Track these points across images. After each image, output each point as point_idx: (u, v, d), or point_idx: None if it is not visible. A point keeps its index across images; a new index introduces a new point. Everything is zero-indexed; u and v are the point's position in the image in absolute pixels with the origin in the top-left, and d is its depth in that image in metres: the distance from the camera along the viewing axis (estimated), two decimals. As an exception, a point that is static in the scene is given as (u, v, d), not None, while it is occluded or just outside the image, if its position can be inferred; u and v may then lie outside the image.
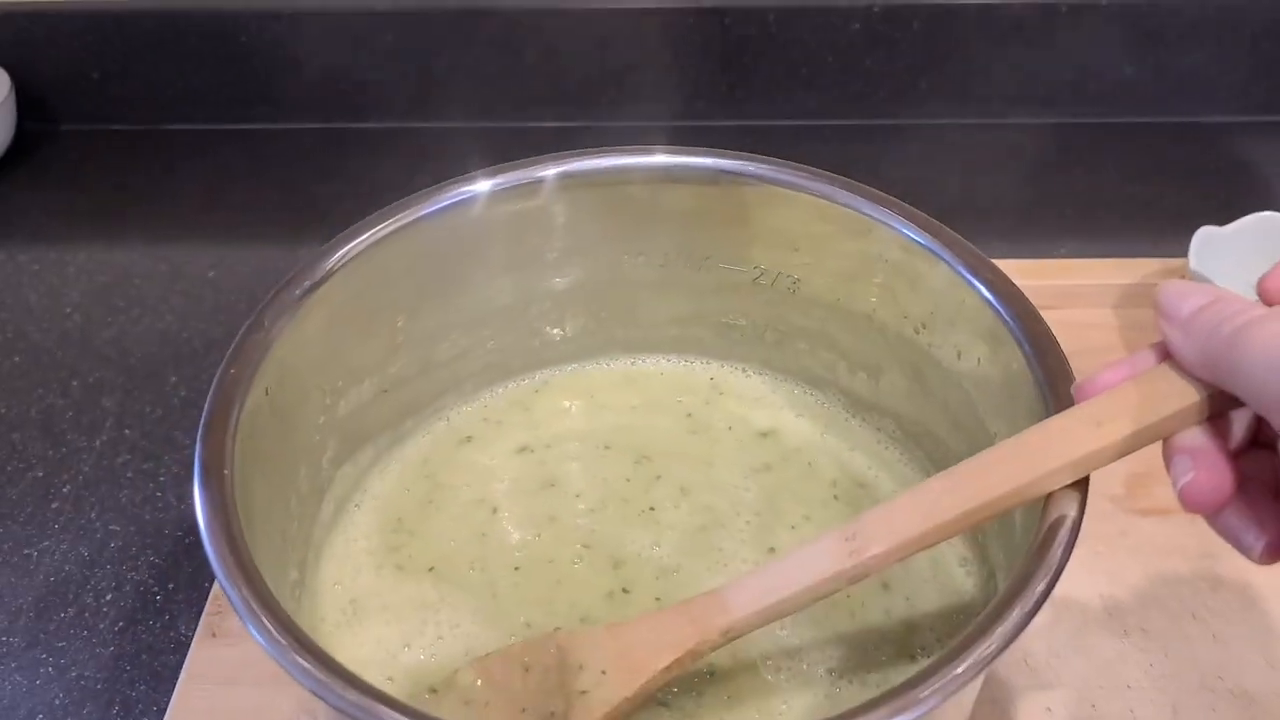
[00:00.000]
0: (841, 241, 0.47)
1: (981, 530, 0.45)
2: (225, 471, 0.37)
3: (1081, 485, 0.35)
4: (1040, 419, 0.38)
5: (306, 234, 0.74)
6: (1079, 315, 0.64)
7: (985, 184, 0.77)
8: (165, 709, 0.48)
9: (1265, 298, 0.32)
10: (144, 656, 0.52)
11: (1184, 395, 0.33)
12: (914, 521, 0.35)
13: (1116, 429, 0.33)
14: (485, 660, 0.41)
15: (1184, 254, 0.61)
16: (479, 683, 0.40)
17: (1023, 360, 0.41)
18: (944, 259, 0.43)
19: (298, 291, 0.43)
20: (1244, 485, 0.32)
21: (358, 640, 0.44)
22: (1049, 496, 0.35)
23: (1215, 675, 0.49)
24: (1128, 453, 0.34)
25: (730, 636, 0.37)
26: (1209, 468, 0.32)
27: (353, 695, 0.32)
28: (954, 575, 0.46)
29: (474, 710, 0.39)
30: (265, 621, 0.33)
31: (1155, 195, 0.76)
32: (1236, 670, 0.49)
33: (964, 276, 0.43)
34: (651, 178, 0.48)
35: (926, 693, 0.31)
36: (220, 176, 0.81)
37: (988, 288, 0.42)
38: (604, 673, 0.37)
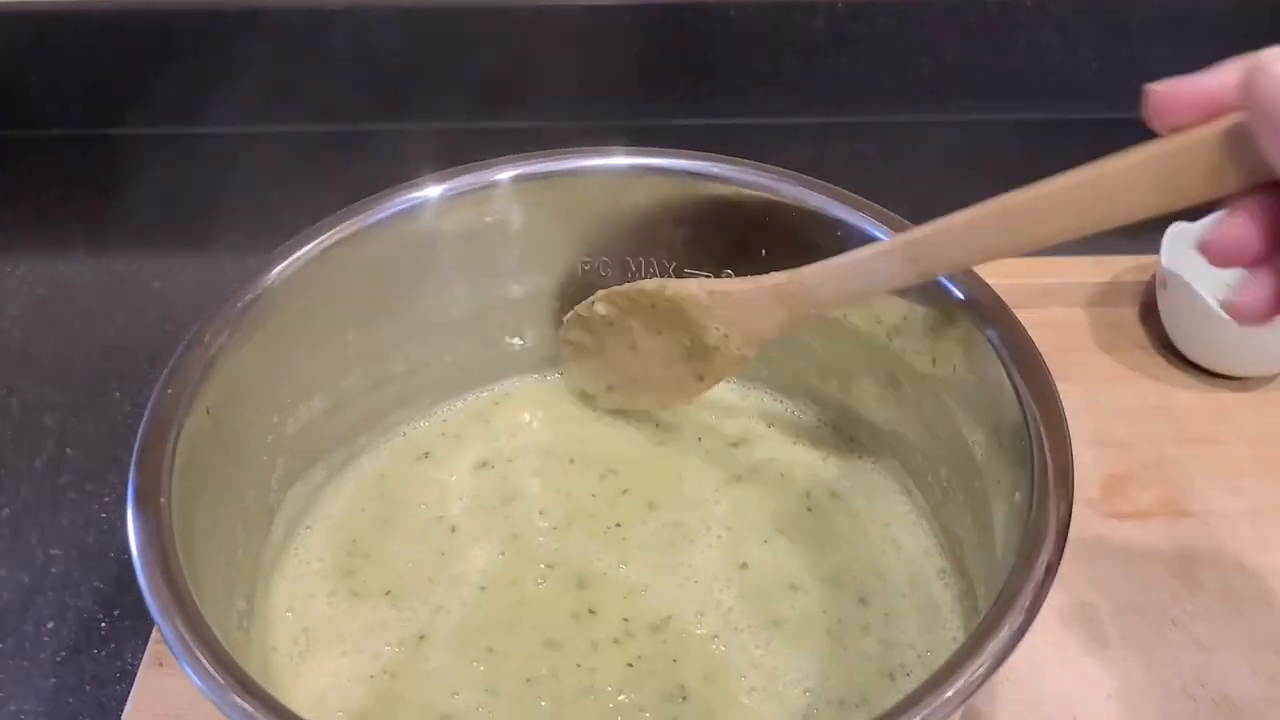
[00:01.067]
0: (794, 238, 0.45)
1: (959, 544, 0.44)
2: (162, 499, 0.35)
3: (1066, 494, 0.34)
4: (1018, 426, 0.37)
5: (257, 242, 0.70)
6: (1053, 314, 0.63)
7: (952, 182, 0.75)
8: (109, 745, 0.46)
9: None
10: (88, 688, 0.49)
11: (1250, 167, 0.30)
12: (972, 250, 0.37)
13: (1182, 192, 0.31)
14: (614, 291, 0.46)
15: (1156, 251, 0.60)
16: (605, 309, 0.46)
17: (999, 366, 0.39)
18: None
19: (240, 305, 0.41)
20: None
21: (312, 672, 0.42)
22: (1034, 504, 0.34)
23: (1197, 682, 0.47)
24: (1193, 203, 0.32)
25: (816, 315, 0.43)
26: (1248, 223, 0.30)
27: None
28: (932, 589, 0.44)
29: (592, 335, 0.47)
30: (201, 659, 0.31)
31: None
32: (1219, 677, 0.47)
33: (938, 280, 0.41)
34: (611, 180, 0.46)
35: (914, 720, 0.30)
36: (166, 183, 0.78)
37: (962, 291, 0.41)
38: (725, 335, 0.44)
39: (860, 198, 0.44)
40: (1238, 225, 0.30)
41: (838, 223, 0.44)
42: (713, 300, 0.44)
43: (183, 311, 0.68)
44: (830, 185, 0.45)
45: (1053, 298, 0.63)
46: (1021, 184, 0.74)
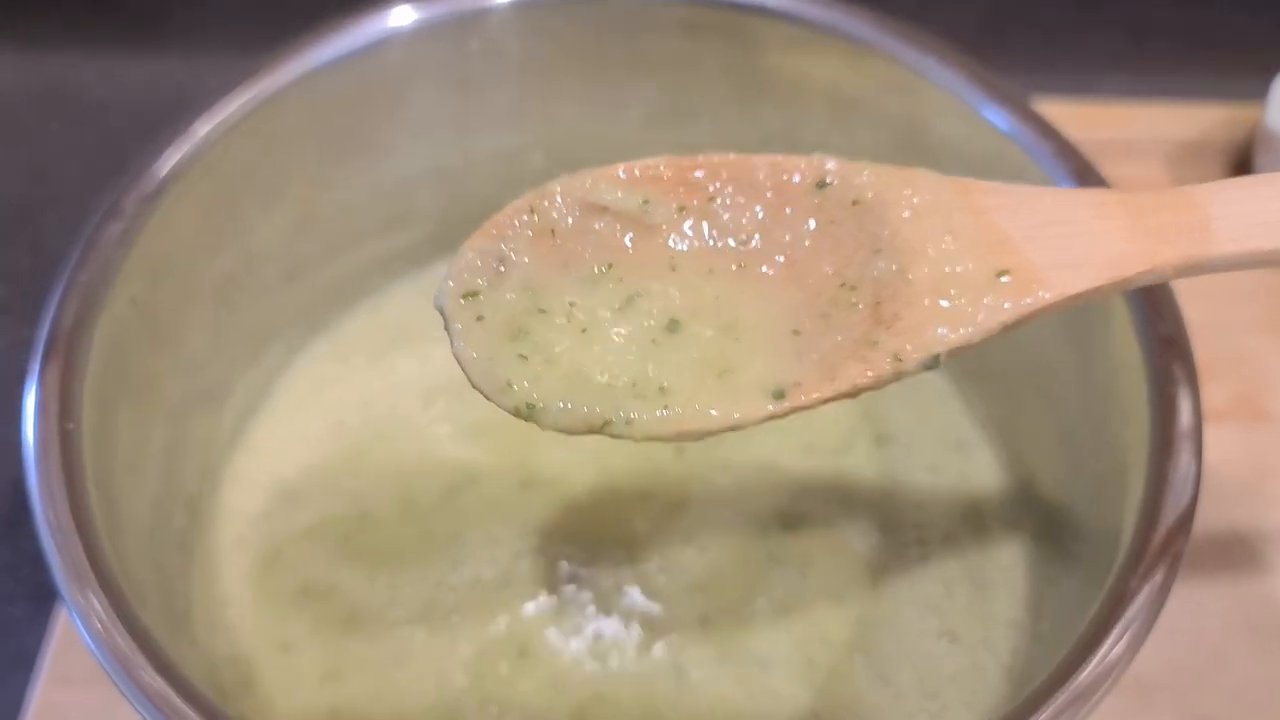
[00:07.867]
0: (879, 103, 0.37)
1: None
2: (70, 426, 0.28)
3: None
4: (1133, 363, 0.30)
5: (213, 42, 0.63)
6: (1128, 173, 0.56)
7: (1019, 2, 0.67)
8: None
9: None
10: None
11: None
12: None
13: None
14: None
15: (1257, 99, 0.53)
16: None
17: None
18: (1017, 142, 0.34)
19: (173, 162, 0.34)
20: None
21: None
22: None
23: (1272, 611, 0.42)
24: None
25: (1187, 272, 0.25)
26: None
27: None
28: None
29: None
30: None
31: (1222, 21, 0.66)
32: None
33: (1046, 175, 0.33)
34: (634, 11, 0.38)
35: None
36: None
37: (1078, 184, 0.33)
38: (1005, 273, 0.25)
39: (957, 52, 0.36)
40: None
41: (918, 80, 0.36)
42: (1002, 201, 0.26)
43: (128, 127, 0.61)
44: (910, 28, 0.36)
45: (1129, 153, 0.57)
46: (1100, 7, 0.65)
